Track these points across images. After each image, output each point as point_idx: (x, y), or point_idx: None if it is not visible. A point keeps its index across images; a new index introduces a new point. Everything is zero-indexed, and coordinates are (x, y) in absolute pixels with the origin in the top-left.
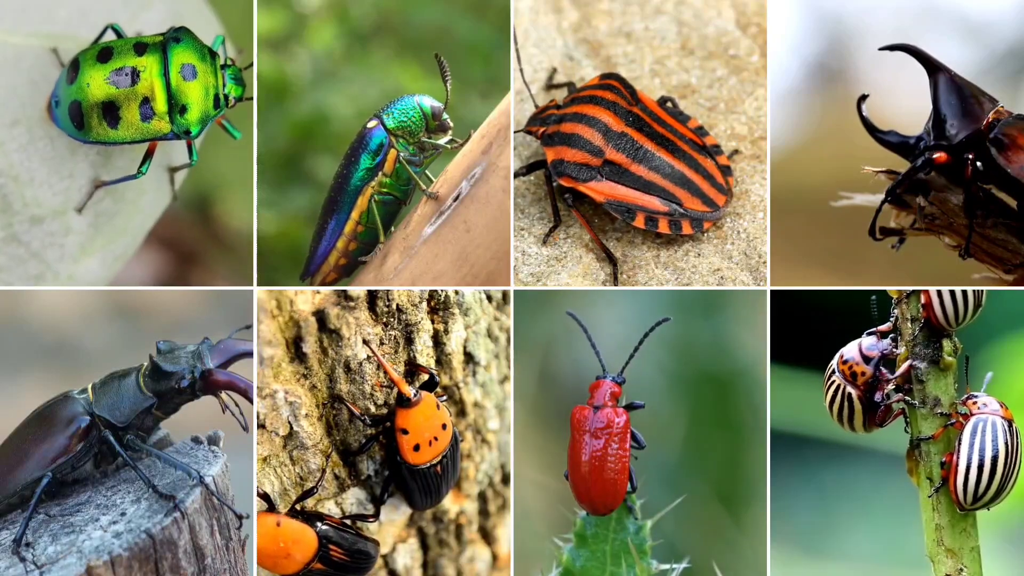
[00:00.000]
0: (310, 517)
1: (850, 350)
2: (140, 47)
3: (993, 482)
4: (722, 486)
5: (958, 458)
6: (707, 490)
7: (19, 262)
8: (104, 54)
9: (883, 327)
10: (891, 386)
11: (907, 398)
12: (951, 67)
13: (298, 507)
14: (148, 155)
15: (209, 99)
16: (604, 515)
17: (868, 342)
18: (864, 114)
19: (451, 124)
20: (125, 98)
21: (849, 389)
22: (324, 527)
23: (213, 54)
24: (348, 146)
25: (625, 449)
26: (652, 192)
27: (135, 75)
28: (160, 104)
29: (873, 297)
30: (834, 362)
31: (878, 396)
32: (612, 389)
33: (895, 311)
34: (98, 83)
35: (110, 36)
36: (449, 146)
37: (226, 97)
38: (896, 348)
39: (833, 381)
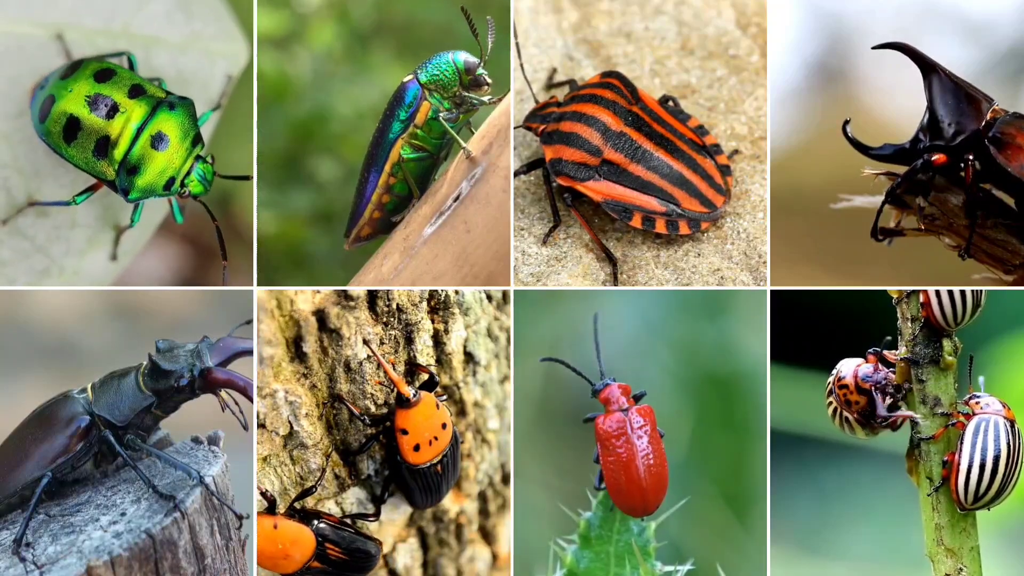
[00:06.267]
0: (308, 515)
1: (847, 371)
2: (136, 90)
3: (994, 482)
4: (727, 486)
5: (960, 458)
6: (713, 490)
7: (24, 256)
8: (103, 75)
9: (888, 353)
10: (886, 408)
11: (914, 418)
12: (948, 66)
13: (297, 505)
14: (90, 189)
15: (163, 177)
16: (651, 513)
17: (864, 371)
18: (850, 135)
19: (488, 80)
20: (90, 124)
21: (845, 413)
22: (321, 525)
23: (198, 140)
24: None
25: (660, 441)
26: (650, 192)
27: (112, 111)
28: (119, 152)
29: (894, 301)
30: (832, 380)
31: (879, 420)
32: (621, 387)
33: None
34: (78, 96)
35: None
36: (488, 101)
37: (182, 185)
38: (894, 376)
39: (831, 402)
